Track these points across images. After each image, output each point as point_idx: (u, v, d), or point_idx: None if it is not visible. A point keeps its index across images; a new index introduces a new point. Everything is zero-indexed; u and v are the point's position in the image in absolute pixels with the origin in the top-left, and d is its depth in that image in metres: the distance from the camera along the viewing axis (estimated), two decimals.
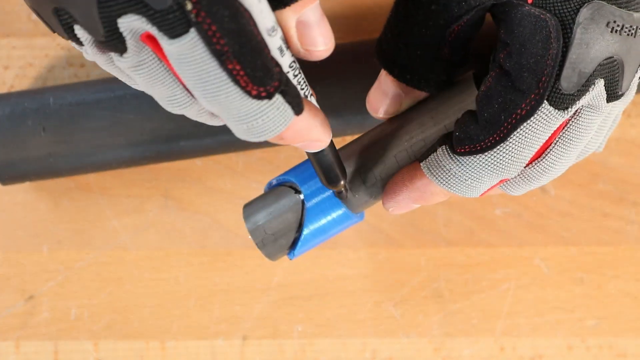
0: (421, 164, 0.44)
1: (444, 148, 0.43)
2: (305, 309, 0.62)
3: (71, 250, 0.62)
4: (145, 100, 0.56)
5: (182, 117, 0.56)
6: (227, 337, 0.62)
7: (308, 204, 0.46)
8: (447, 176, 0.43)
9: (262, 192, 0.50)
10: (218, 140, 0.57)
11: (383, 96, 0.45)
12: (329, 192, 0.46)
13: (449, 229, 0.62)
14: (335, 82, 0.56)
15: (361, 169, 0.46)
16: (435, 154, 0.43)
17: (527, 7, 0.39)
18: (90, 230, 0.62)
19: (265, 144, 0.58)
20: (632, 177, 0.62)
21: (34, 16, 0.63)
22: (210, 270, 0.62)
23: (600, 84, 0.40)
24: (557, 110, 0.40)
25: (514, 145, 0.41)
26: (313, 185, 0.46)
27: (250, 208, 0.46)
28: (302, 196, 0.46)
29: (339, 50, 0.57)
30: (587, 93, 0.40)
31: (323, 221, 0.46)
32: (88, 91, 0.57)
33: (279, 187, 0.46)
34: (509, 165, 0.42)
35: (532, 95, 0.40)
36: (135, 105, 0.56)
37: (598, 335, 0.61)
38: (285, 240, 0.46)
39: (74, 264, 0.62)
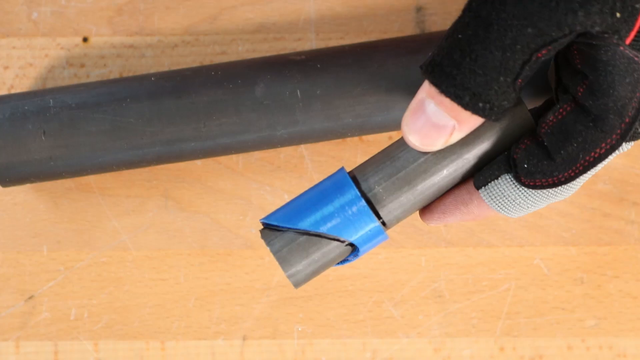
0: (480, 192, 0.43)
1: (507, 178, 0.42)
2: (305, 309, 0.62)
3: (71, 250, 0.62)
4: (146, 104, 0.56)
5: (183, 120, 0.56)
6: (227, 337, 0.62)
7: (361, 249, 0.43)
8: (509, 204, 0.43)
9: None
10: (218, 143, 0.57)
11: (430, 127, 0.40)
12: (369, 226, 0.43)
13: (449, 229, 0.62)
14: (334, 84, 0.56)
15: (414, 207, 0.44)
16: (497, 182, 0.42)
17: (621, 48, 0.38)
18: (90, 230, 0.62)
19: (265, 146, 0.58)
20: (632, 177, 0.62)
21: (34, 16, 0.63)
22: (210, 270, 0.62)
23: None
24: (626, 143, 0.40)
25: (583, 179, 0.41)
26: (355, 229, 0.43)
27: (293, 267, 0.43)
28: (349, 242, 0.43)
29: (338, 53, 0.58)
30: None
31: (368, 246, 0.44)
32: (88, 95, 0.57)
33: (313, 237, 0.43)
34: (572, 192, 0.42)
35: (614, 136, 0.39)
36: (135, 109, 0.56)
37: (598, 335, 0.61)
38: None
39: (74, 264, 0.62)
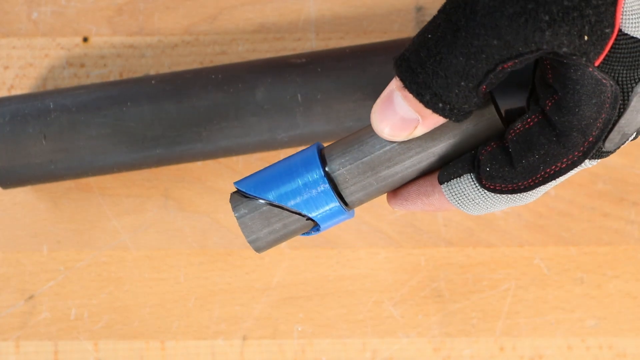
0: (442, 187, 0.43)
1: (470, 178, 0.43)
2: (305, 309, 0.62)
3: (71, 250, 0.62)
4: (146, 109, 0.56)
5: (184, 125, 0.56)
6: (227, 337, 0.62)
7: (322, 225, 0.45)
8: (468, 203, 0.43)
9: None
10: (219, 146, 0.57)
11: (396, 118, 0.42)
12: (331, 205, 0.44)
13: (449, 229, 0.62)
14: (334, 88, 0.56)
15: (378, 191, 0.45)
16: (459, 180, 0.43)
17: (590, 69, 0.38)
18: (90, 230, 0.62)
19: (266, 149, 0.58)
20: (632, 177, 0.62)
21: (34, 16, 0.63)
22: (210, 270, 0.62)
23: (632, 136, 0.41)
24: (590, 160, 0.41)
25: (544, 189, 0.42)
26: (315, 206, 0.44)
27: (254, 233, 0.45)
28: (310, 217, 0.45)
29: (339, 56, 0.58)
30: (622, 146, 0.41)
31: (329, 223, 0.46)
32: (89, 98, 0.57)
33: (275, 208, 0.44)
34: (533, 199, 0.43)
35: (576, 153, 0.40)
36: (136, 113, 0.56)
37: (598, 335, 0.61)
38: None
39: (74, 264, 0.62)
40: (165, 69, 0.62)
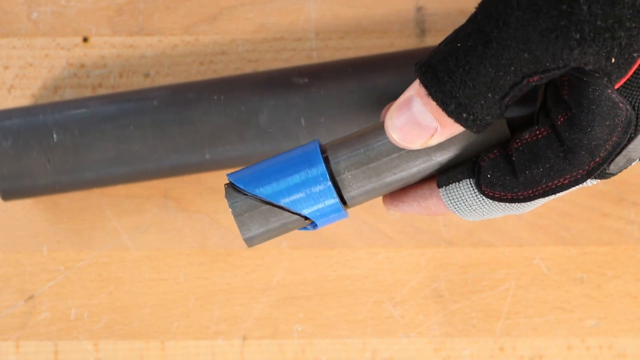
0: (440, 191, 0.43)
1: (469, 183, 0.43)
2: (305, 309, 0.62)
3: (71, 250, 0.62)
4: (149, 132, 0.57)
5: (187, 148, 0.57)
6: (227, 337, 0.62)
7: (319, 223, 0.44)
8: (465, 208, 0.43)
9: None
10: (222, 165, 0.58)
11: (413, 125, 0.41)
12: (330, 201, 0.44)
13: (449, 229, 0.62)
14: (338, 112, 0.56)
15: (377, 194, 0.45)
16: (458, 185, 0.43)
17: (609, 90, 0.38)
18: (90, 230, 0.62)
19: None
20: (632, 177, 0.62)
21: (34, 16, 0.63)
22: (210, 270, 0.62)
23: (636, 160, 0.41)
24: (591, 179, 0.41)
25: (543, 200, 0.42)
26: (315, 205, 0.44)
27: (251, 232, 0.44)
28: (307, 216, 0.44)
29: (341, 76, 0.58)
30: (625, 169, 0.41)
31: (325, 221, 0.45)
32: (91, 120, 0.57)
33: (275, 208, 0.44)
34: (530, 209, 0.43)
35: (580, 171, 0.40)
36: (139, 137, 0.57)
37: (598, 335, 0.61)
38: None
39: (74, 264, 0.62)
40: (165, 69, 0.62)
